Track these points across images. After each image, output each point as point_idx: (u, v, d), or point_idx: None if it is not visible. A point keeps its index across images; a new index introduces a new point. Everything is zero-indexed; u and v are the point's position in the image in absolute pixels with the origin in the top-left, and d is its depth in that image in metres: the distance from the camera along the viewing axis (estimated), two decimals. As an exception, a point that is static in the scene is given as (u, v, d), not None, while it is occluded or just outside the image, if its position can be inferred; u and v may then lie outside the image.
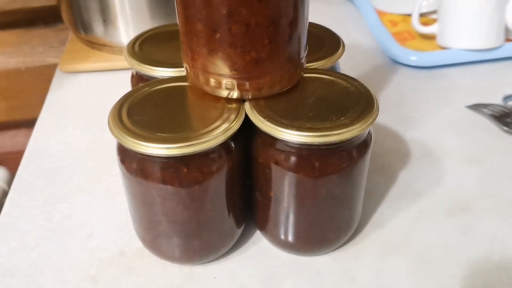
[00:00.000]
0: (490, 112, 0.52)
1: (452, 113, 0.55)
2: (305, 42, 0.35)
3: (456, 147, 0.50)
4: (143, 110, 0.34)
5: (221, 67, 0.33)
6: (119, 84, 0.61)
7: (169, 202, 0.33)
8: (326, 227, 0.37)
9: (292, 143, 0.32)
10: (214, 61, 0.33)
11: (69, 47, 0.66)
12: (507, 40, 0.62)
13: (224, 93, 0.34)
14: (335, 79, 0.37)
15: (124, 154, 0.33)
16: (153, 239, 0.36)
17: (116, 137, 0.32)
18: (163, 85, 0.37)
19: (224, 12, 0.30)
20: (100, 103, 0.58)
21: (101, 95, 0.59)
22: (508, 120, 0.51)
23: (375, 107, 0.34)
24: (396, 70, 0.64)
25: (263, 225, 0.39)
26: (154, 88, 0.36)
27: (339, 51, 0.41)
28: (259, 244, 0.40)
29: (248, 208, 0.39)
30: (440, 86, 0.60)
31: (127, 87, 0.60)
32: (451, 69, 0.62)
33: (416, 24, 0.65)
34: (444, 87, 0.59)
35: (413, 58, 0.63)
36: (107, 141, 0.51)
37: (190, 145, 0.30)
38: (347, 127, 0.31)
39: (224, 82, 0.33)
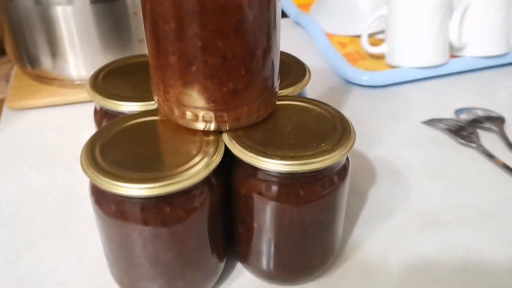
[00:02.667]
0: (445, 127, 0.55)
1: (409, 129, 0.57)
2: (277, 70, 0.35)
3: (418, 162, 0.51)
4: (117, 148, 0.32)
5: (198, 99, 0.32)
6: (72, 119, 0.58)
7: (151, 244, 0.32)
8: (311, 254, 0.36)
9: (276, 172, 0.32)
10: (190, 94, 0.32)
11: (15, 83, 0.63)
12: (452, 56, 0.66)
13: (201, 126, 0.33)
14: (308, 105, 0.37)
15: (100, 196, 0.32)
16: (133, 282, 0.35)
17: (92, 179, 0.30)
18: (134, 121, 0.35)
19: (200, 44, 0.30)
20: (54, 140, 0.55)
21: (54, 131, 0.56)
22: (464, 133, 0.53)
23: (352, 132, 0.34)
24: (350, 91, 0.65)
25: (245, 257, 0.38)
26: (125, 125, 0.35)
27: (306, 77, 0.41)
28: (241, 277, 0.39)
29: (228, 241, 0.38)
30: (394, 104, 0.62)
31: (81, 122, 0.58)
32: (402, 87, 0.65)
33: (365, 44, 0.67)
34: (397, 105, 0.62)
35: (365, 78, 0.65)
36: (68, 181, 0.49)
37: (173, 183, 0.29)
38: (329, 153, 0.32)
39: (201, 114, 0.33)
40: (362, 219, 0.44)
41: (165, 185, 0.29)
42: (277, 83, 0.35)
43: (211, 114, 0.32)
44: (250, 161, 0.32)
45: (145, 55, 0.45)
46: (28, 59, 0.61)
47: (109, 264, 0.36)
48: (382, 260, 0.40)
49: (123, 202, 0.31)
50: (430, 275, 0.39)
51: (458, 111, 0.59)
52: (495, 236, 0.42)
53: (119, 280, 0.36)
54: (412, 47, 0.63)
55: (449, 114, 0.59)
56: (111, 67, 0.42)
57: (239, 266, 0.40)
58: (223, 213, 0.35)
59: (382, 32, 0.71)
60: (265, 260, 0.36)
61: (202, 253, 0.34)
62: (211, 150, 0.32)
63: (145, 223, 0.31)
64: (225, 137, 0.34)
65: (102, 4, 0.57)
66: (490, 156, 0.51)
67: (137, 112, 0.37)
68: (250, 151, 0.32)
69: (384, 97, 0.63)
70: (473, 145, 0.52)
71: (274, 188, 0.33)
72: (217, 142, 0.33)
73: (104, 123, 0.40)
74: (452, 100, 0.62)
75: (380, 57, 0.69)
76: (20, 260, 0.40)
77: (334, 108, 0.37)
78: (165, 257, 0.32)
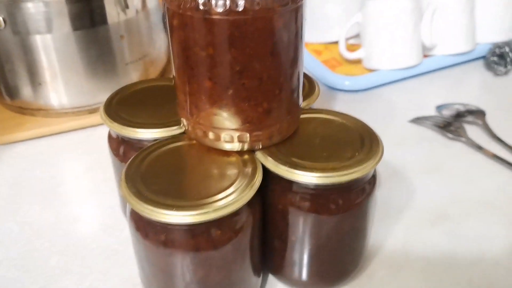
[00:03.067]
0: (433, 124, 0.58)
1: (398, 129, 0.59)
2: (302, 87, 0.36)
3: (414, 160, 0.54)
4: (157, 177, 0.32)
5: (233, 121, 0.32)
6: (62, 149, 0.57)
7: (201, 268, 0.32)
8: (345, 260, 0.37)
9: (314, 185, 0.33)
10: (226, 117, 0.32)
11: (-4, 117, 0.60)
12: (424, 56, 0.69)
13: (236, 147, 0.34)
14: (329, 117, 0.38)
15: (146, 227, 0.31)
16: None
17: (140, 211, 0.30)
18: (164, 148, 0.35)
19: (238, 68, 0.30)
20: (49, 173, 0.53)
21: (46, 164, 0.54)
22: (451, 128, 0.57)
23: (379, 139, 0.36)
24: (334, 96, 0.67)
25: (280, 269, 0.38)
26: (156, 153, 0.35)
27: (316, 90, 0.43)
28: (275, 290, 0.39)
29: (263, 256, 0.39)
30: (379, 106, 0.64)
31: (71, 151, 0.56)
32: (383, 89, 0.68)
33: (343, 51, 0.69)
34: (382, 106, 0.64)
35: (347, 83, 0.67)
36: (72, 214, 0.47)
37: (224, 206, 0.30)
38: (365, 162, 0.33)
39: (237, 135, 0.33)
40: (377, 220, 0.46)
41: (217, 209, 0.30)
42: (301, 99, 0.36)
43: (247, 134, 0.33)
44: (289, 176, 0.33)
45: (153, 80, 0.45)
46: (7, 91, 0.58)
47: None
48: (404, 257, 0.42)
49: (173, 231, 0.30)
50: (451, 267, 0.41)
51: (439, 107, 0.62)
52: (501, 224, 0.45)
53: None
54: (389, 50, 0.66)
55: (431, 111, 0.62)
56: (122, 94, 0.42)
57: (270, 278, 0.40)
58: (260, 231, 0.36)
59: (354, 37, 0.74)
60: (301, 270, 0.37)
61: (246, 271, 0.34)
62: (249, 170, 0.33)
63: (197, 248, 0.31)
64: (259, 155, 0.34)
65: (85, 31, 0.55)
66: (479, 147, 0.54)
67: (163, 139, 0.36)
68: (289, 166, 0.33)
69: (367, 100, 0.66)
70: (462, 139, 0.55)
71: (313, 200, 0.34)
72: (253, 161, 0.34)
73: (121, 150, 0.39)
74: (431, 97, 0.65)
75: (356, 62, 0.71)
76: (48, 302, 0.38)
77: (354, 117, 0.38)
78: (214, 279, 0.33)
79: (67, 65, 0.56)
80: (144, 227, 0.31)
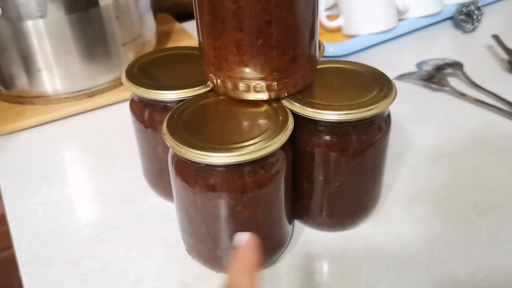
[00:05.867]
0: (418, 78, 0.62)
1: (385, 86, 0.63)
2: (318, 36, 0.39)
3: (406, 111, 0.58)
4: (198, 128, 0.34)
5: (262, 70, 0.35)
6: (68, 133, 0.58)
7: (247, 209, 0.34)
8: (367, 195, 0.41)
9: (341, 122, 0.36)
10: (255, 67, 0.35)
11: (-6, 108, 0.60)
12: (399, 20, 0.74)
13: (265, 96, 0.36)
14: (341, 66, 0.41)
15: (195, 175, 0.33)
16: (213, 250, 0.36)
17: (193, 157, 0.32)
18: (196, 104, 0.37)
19: (267, 18, 0.33)
20: (60, 155, 0.54)
21: (56, 148, 0.55)
22: (435, 80, 0.61)
23: (391, 80, 0.39)
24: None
25: (307, 212, 0.41)
26: (190, 109, 0.36)
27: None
28: (304, 233, 0.42)
29: (291, 201, 0.41)
30: (363, 68, 0.68)
31: (77, 134, 0.57)
32: (365, 53, 0.72)
33: (324, 20, 0.73)
34: (366, 68, 0.68)
35: (331, 49, 0.70)
36: (96, 189, 0.49)
37: (267, 145, 0.32)
38: (385, 98, 0.36)
39: (266, 84, 0.35)
40: (383, 165, 0.50)
41: (261, 148, 0.32)
42: (318, 50, 0.39)
43: (274, 83, 0.36)
44: (316, 116, 0.35)
45: (167, 49, 0.46)
46: (2, 82, 0.58)
47: (189, 239, 0.37)
48: (413, 193, 0.46)
49: (221, 173, 0.33)
50: (455, 196, 0.45)
51: (419, 64, 0.66)
52: (492, 156, 0.50)
53: (196, 251, 0.38)
54: (367, 15, 0.70)
55: (412, 68, 0.67)
56: (141, 62, 0.43)
57: (297, 225, 0.43)
58: (292, 174, 0.38)
59: (329, 9, 0.77)
60: (328, 210, 0.40)
61: (284, 212, 0.37)
62: (280, 115, 0.35)
63: (244, 188, 0.33)
64: (286, 102, 0.37)
65: (78, 14, 0.56)
66: (462, 94, 0.59)
67: (191, 97, 0.38)
68: (315, 108, 0.35)
69: (351, 64, 0.69)
70: (446, 88, 0.60)
71: (339, 139, 0.37)
72: (283, 108, 0.36)
73: (146, 115, 0.41)
74: (410, 56, 0.70)
75: (336, 30, 0.75)
76: (85, 270, 0.40)
77: (363, 64, 0.41)
78: (258, 219, 0.35)
79: (63, 49, 0.57)
80: (192, 175, 0.33)
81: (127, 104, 0.44)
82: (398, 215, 0.44)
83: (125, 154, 0.53)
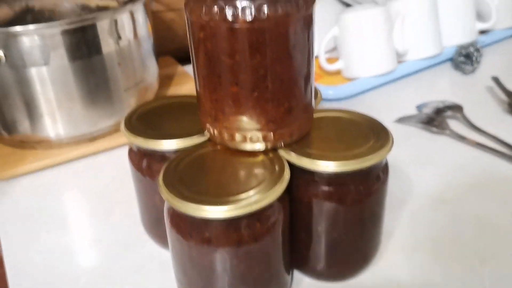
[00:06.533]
0: (417, 121, 0.62)
1: (385, 129, 0.64)
2: (314, 87, 0.39)
3: (407, 155, 0.58)
4: (194, 180, 0.34)
5: (258, 122, 0.35)
6: (68, 178, 0.58)
7: (243, 262, 0.34)
8: (367, 245, 0.40)
9: (337, 173, 0.36)
10: (251, 118, 0.35)
11: (-5, 153, 0.60)
12: (399, 62, 0.75)
13: (262, 146, 0.36)
14: (338, 114, 0.42)
15: (189, 228, 0.33)
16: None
17: (187, 211, 0.32)
18: (193, 154, 0.37)
19: (262, 72, 0.33)
20: (60, 201, 0.54)
21: (56, 193, 0.55)
22: (435, 123, 0.61)
23: (387, 129, 0.39)
24: (320, 105, 0.71)
25: (306, 262, 0.41)
26: (187, 159, 0.37)
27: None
28: (302, 284, 0.42)
29: (289, 251, 0.41)
30: (363, 111, 0.68)
31: (79, 180, 0.57)
32: (364, 96, 0.72)
33: (324, 63, 0.74)
34: (367, 111, 0.67)
35: (331, 92, 0.71)
36: (93, 237, 0.48)
37: (263, 198, 0.32)
38: (381, 148, 0.36)
39: (262, 135, 0.36)
40: (383, 211, 0.49)
41: (257, 201, 0.32)
42: (314, 99, 0.39)
43: (271, 133, 0.36)
44: (312, 167, 0.35)
45: (166, 98, 0.47)
46: (5, 127, 0.59)
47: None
48: (414, 240, 0.45)
49: (216, 227, 0.32)
50: (457, 244, 0.45)
51: (419, 106, 0.67)
52: (495, 202, 0.49)
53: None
54: (366, 59, 0.71)
55: (412, 110, 0.67)
56: (140, 111, 0.44)
57: (296, 275, 0.42)
58: (290, 225, 0.38)
59: (329, 51, 0.78)
60: (328, 260, 0.40)
61: (282, 264, 0.37)
62: (277, 166, 0.35)
63: (240, 242, 0.33)
64: (282, 152, 0.37)
65: (81, 61, 0.57)
66: (462, 138, 0.59)
67: (187, 148, 0.38)
68: (312, 158, 0.35)
69: (352, 106, 0.70)
70: (446, 131, 0.60)
71: (336, 190, 0.36)
72: (279, 158, 0.36)
73: (144, 164, 0.41)
74: (410, 98, 0.70)
75: (336, 73, 0.76)
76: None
77: (359, 113, 0.42)
78: (255, 273, 0.35)
79: (66, 96, 0.58)
80: (186, 228, 0.33)
81: (127, 148, 0.44)
82: (399, 263, 0.43)
83: (125, 200, 0.53)
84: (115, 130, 0.62)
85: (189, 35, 0.35)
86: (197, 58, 0.35)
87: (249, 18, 0.31)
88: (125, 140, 0.61)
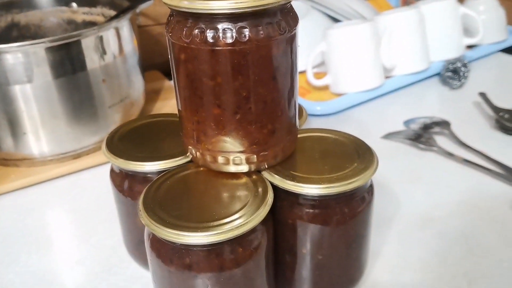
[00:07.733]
0: (405, 137, 0.62)
1: (373, 146, 0.62)
2: (297, 108, 0.39)
3: (394, 172, 0.57)
4: (175, 204, 0.33)
5: (241, 144, 0.35)
6: (51, 197, 0.57)
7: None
8: (353, 267, 0.40)
9: (321, 196, 0.35)
10: (234, 140, 0.34)
11: (-24, 171, 0.59)
12: (386, 77, 0.75)
13: (245, 168, 0.36)
14: (322, 134, 0.41)
15: (170, 253, 0.32)
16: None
17: (167, 237, 0.31)
18: (174, 176, 0.37)
19: (244, 94, 0.33)
20: (42, 221, 0.53)
21: (38, 212, 0.54)
22: (422, 139, 0.61)
23: (372, 150, 0.39)
24: (308, 121, 0.71)
25: (290, 285, 0.40)
26: (168, 182, 0.36)
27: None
28: (289, 306, 0.41)
29: (274, 274, 0.40)
30: (351, 126, 0.68)
31: (60, 198, 0.56)
32: (352, 111, 0.72)
33: (311, 79, 0.73)
34: (354, 127, 0.68)
35: (318, 108, 0.71)
36: (74, 258, 0.47)
37: (244, 223, 0.31)
38: (365, 170, 0.36)
39: (245, 157, 0.35)
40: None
41: (239, 226, 0.31)
42: (298, 120, 0.39)
43: (254, 155, 0.35)
44: (296, 190, 0.35)
45: (148, 116, 0.46)
46: (-13, 144, 0.58)
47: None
48: (402, 260, 0.45)
49: (197, 253, 0.32)
50: (446, 264, 0.44)
51: (407, 122, 0.67)
52: (483, 220, 0.49)
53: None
54: (353, 74, 0.71)
55: (399, 126, 0.67)
56: (121, 131, 0.43)
57: (282, 296, 0.42)
58: (273, 248, 0.37)
59: (317, 66, 0.78)
60: (313, 283, 0.39)
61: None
62: (260, 188, 0.35)
63: (221, 268, 0.32)
64: (266, 174, 0.36)
65: (65, 78, 0.56)
66: (449, 154, 0.58)
67: (169, 169, 0.38)
68: (295, 181, 0.35)
69: (340, 122, 0.70)
70: (434, 148, 0.60)
71: (320, 212, 0.36)
72: (263, 180, 0.36)
73: (125, 185, 0.40)
74: (397, 114, 0.70)
75: (324, 88, 0.75)
76: None
77: (344, 133, 0.41)
78: (237, 298, 0.34)
79: (49, 113, 0.57)
80: (167, 254, 0.33)
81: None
82: (386, 284, 0.42)
83: (108, 218, 0.52)
84: (99, 147, 0.61)
85: (170, 56, 0.34)
86: (178, 79, 0.34)
87: (230, 40, 0.30)
88: (109, 157, 0.60)
